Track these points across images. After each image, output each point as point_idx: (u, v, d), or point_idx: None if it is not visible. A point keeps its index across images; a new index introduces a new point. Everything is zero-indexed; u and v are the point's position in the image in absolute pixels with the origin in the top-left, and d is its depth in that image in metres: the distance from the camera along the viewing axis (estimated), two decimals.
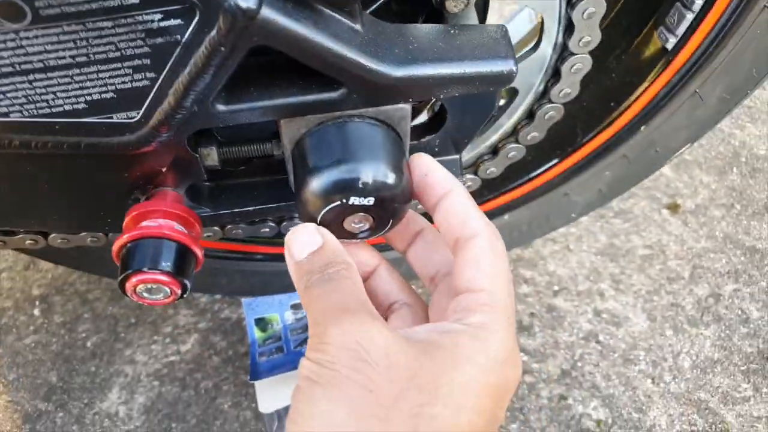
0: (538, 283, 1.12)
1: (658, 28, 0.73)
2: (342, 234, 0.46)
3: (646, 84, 0.77)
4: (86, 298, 1.15)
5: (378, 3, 0.50)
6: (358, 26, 0.43)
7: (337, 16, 0.41)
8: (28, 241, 0.62)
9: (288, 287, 0.97)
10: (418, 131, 0.54)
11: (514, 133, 0.65)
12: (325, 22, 0.40)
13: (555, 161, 0.87)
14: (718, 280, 1.10)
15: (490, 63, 0.45)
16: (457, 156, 0.55)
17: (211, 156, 0.48)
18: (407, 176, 0.45)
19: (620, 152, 0.84)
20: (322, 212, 0.44)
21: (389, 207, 0.45)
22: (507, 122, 0.65)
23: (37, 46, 0.36)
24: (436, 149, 0.54)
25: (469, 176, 0.69)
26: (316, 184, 0.43)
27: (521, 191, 0.91)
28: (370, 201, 0.43)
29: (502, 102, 0.64)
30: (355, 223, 0.46)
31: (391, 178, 0.43)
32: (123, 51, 0.37)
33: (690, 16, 0.68)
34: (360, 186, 0.43)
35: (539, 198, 0.91)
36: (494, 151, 0.67)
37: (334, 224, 0.46)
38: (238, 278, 0.96)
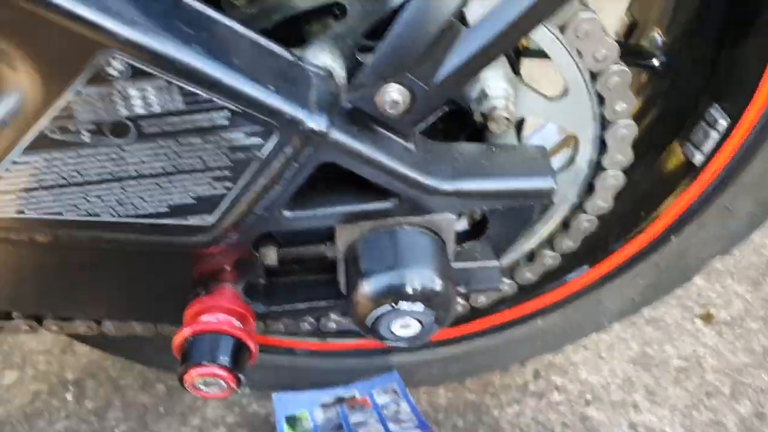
0: (569, 391, 1.10)
1: (684, 144, 0.77)
2: (389, 338, 0.49)
3: (674, 197, 0.81)
4: (118, 385, 1.16)
5: (427, 122, 0.55)
6: (411, 146, 0.47)
7: (393, 137, 0.46)
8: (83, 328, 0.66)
9: (319, 384, 0.98)
10: (461, 237, 0.57)
11: (549, 241, 0.68)
12: (384, 142, 0.45)
13: (587, 267, 0.89)
14: (761, 397, 1.07)
15: (530, 180, 0.49)
16: (497, 263, 0.58)
17: (270, 256, 0.51)
18: (453, 282, 0.48)
19: (652, 261, 0.86)
20: (370, 315, 0.47)
21: (435, 312, 0.47)
22: (542, 230, 0.68)
23: (135, 157, 0.41)
24: (477, 255, 0.58)
25: (506, 281, 0.71)
26: (368, 287, 0.47)
27: (554, 297, 0.92)
28: (419, 306, 0.46)
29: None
30: (403, 326, 0.48)
31: (438, 285, 0.47)
32: (207, 163, 0.42)
33: (715, 135, 0.72)
34: (409, 291, 0.46)
35: (572, 304, 0.92)
36: (530, 257, 0.70)
37: (383, 329, 0.48)
38: (272, 372, 0.98)
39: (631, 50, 0.76)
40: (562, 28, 0.48)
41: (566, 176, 0.62)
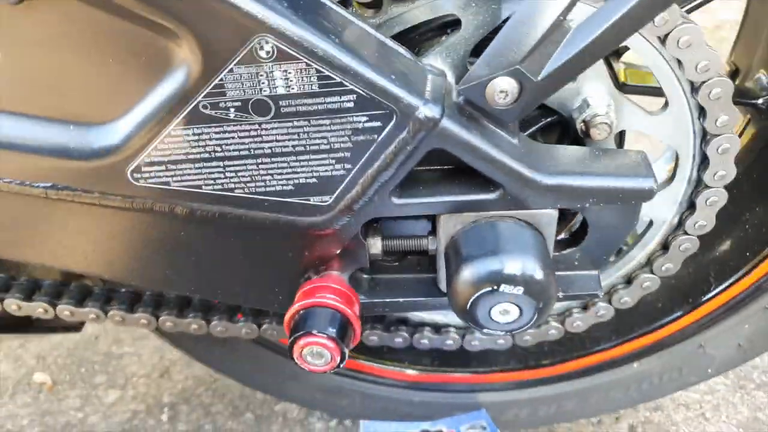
0: None
1: None
2: (488, 324, 0.50)
3: None
4: (209, 410, 1.21)
5: (528, 131, 0.58)
6: (515, 141, 0.51)
7: (499, 131, 0.50)
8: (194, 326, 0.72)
9: (405, 416, 0.98)
10: (562, 244, 0.58)
11: (648, 264, 0.68)
12: (491, 134, 0.49)
13: (688, 308, 0.86)
14: None
15: (631, 180, 0.51)
16: (596, 272, 0.59)
17: (376, 246, 0.55)
18: (553, 277, 0.49)
19: (761, 304, 0.82)
20: (473, 297, 0.49)
21: (534, 300, 0.49)
22: (641, 253, 0.68)
23: (271, 135, 0.47)
24: (576, 263, 0.58)
25: (602, 305, 0.71)
26: (470, 271, 0.49)
27: (652, 338, 0.89)
28: (519, 290, 0.48)
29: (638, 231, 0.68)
30: (502, 313, 0.50)
31: (538, 273, 0.48)
32: (332, 144, 0.47)
33: None
34: (510, 275, 0.47)
35: (671, 347, 0.89)
36: (628, 280, 0.70)
37: (482, 313, 0.50)
38: (358, 401, 0.99)
39: (736, 90, 0.76)
40: (663, 39, 0.51)
41: (665, 195, 0.63)
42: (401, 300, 0.58)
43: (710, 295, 0.85)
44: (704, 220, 0.62)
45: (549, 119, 0.58)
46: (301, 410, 1.17)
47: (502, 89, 0.46)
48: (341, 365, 0.51)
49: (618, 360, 0.92)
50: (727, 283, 0.84)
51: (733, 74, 0.84)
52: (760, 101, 0.77)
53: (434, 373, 0.96)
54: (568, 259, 0.58)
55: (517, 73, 0.45)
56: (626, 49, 0.64)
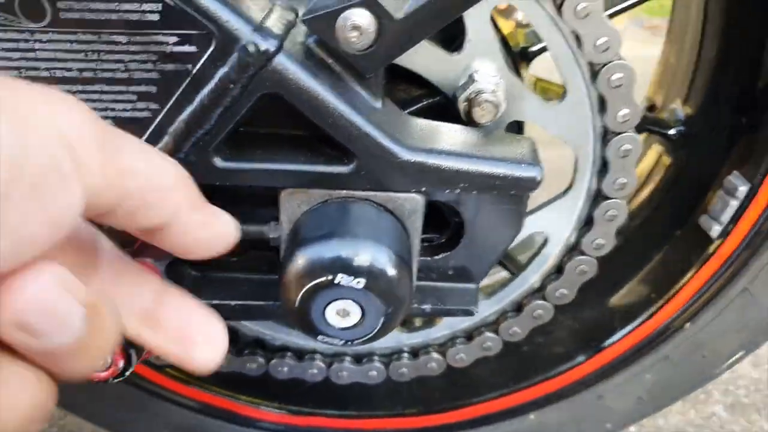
0: None
1: (701, 216, 0.70)
2: (323, 326, 0.39)
3: (689, 275, 0.72)
4: None
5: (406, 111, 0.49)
6: (377, 104, 0.41)
7: (356, 87, 0.40)
8: None
9: None
10: (433, 249, 0.48)
11: (540, 289, 0.59)
12: (344, 87, 0.39)
13: (588, 355, 0.78)
14: None
15: (513, 166, 0.42)
16: (474, 286, 0.49)
17: None
18: (409, 278, 0.39)
19: (662, 352, 0.75)
20: (305, 288, 0.38)
21: (381, 300, 0.38)
22: (533, 277, 0.59)
23: (48, 51, 0.35)
24: (450, 272, 0.49)
25: (489, 335, 0.61)
26: (303, 255, 0.38)
27: (549, 386, 0.80)
28: (359, 283, 0.37)
29: (529, 254, 0.59)
30: (340, 314, 0.39)
31: (387, 265, 0.38)
32: (132, 72, 0.36)
33: (734, 203, 0.65)
34: (349, 261, 0.37)
35: (569, 398, 0.80)
36: (518, 308, 0.60)
37: (315, 311, 0.39)
38: None
39: (648, 120, 0.72)
40: (560, 6, 0.43)
41: (561, 209, 0.54)
42: (233, 303, 0.46)
43: (613, 339, 0.77)
44: (603, 238, 0.54)
45: (430, 100, 0.49)
46: None
47: (356, 24, 0.36)
48: (126, 374, 0.38)
49: (514, 410, 0.82)
50: (630, 327, 0.76)
51: (650, 108, 0.80)
52: (672, 131, 0.72)
53: (302, 416, 0.82)
54: (441, 266, 0.48)
55: (374, 6, 0.36)
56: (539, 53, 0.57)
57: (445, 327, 0.63)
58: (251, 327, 0.62)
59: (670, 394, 0.78)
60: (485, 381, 0.84)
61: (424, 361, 0.62)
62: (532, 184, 0.42)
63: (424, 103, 0.49)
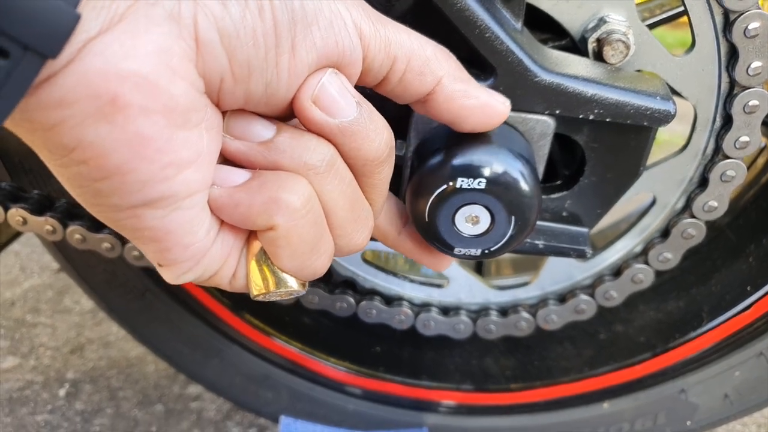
0: None
1: None
2: (455, 239, 0.40)
3: None
4: (116, 395, 1.06)
5: None
6: (518, 25, 0.42)
7: (500, 6, 0.41)
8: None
9: (334, 422, 0.84)
10: (552, 188, 0.49)
11: (643, 253, 0.58)
12: (490, 3, 0.41)
13: (672, 344, 0.76)
14: None
15: (647, 98, 0.42)
16: (586, 230, 0.49)
17: None
18: (535, 186, 0.40)
19: (755, 349, 0.72)
20: (431, 199, 0.39)
21: (504, 205, 0.39)
22: (635, 239, 0.58)
23: None
24: (564, 213, 0.49)
25: (583, 297, 0.60)
26: (427, 165, 0.39)
27: (628, 374, 0.78)
28: (480, 183, 0.38)
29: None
30: (469, 220, 0.40)
31: (510, 169, 0.39)
32: None
33: None
34: (468, 164, 0.38)
35: (649, 389, 0.78)
36: (617, 272, 0.60)
37: (444, 221, 0.40)
38: (285, 396, 0.85)
39: None
40: None
41: (673, 167, 0.54)
42: None
43: (700, 332, 0.75)
44: (716, 200, 0.53)
45: (559, 42, 0.50)
46: (219, 411, 1.02)
47: None
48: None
49: (587, 396, 0.80)
50: (720, 320, 0.74)
51: None
52: None
53: (375, 379, 0.83)
54: (555, 207, 0.49)
55: None
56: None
57: (536, 288, 0.63)
58: (345, 266, 0.64)
59: (760, 395, 0.74)
60: (559, 364, 0.83)
61: (514, 320, 0.62)
62: (666, 116, 0.42)
63: (551, 45, 0.50)
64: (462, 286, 0.63)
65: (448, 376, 0.83)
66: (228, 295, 0.80)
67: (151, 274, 0.77)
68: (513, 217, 0.39)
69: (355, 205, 0.35)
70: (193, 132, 0.29)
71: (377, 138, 0.34)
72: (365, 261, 0.64)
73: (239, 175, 0.32)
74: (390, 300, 0.65)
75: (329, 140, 0.33)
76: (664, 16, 0.53)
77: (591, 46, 0.47)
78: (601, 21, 0.47)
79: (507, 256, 0.85)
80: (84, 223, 0.63)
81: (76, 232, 0.62)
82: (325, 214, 0.34)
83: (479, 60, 0.41)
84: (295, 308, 0.79)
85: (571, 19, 0.48)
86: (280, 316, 0.81)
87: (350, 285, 0.65)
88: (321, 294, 0.63)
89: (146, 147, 0.28)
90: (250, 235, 0.34)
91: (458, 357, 0.84)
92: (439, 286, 0.65)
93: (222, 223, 0.33)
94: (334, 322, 0.82)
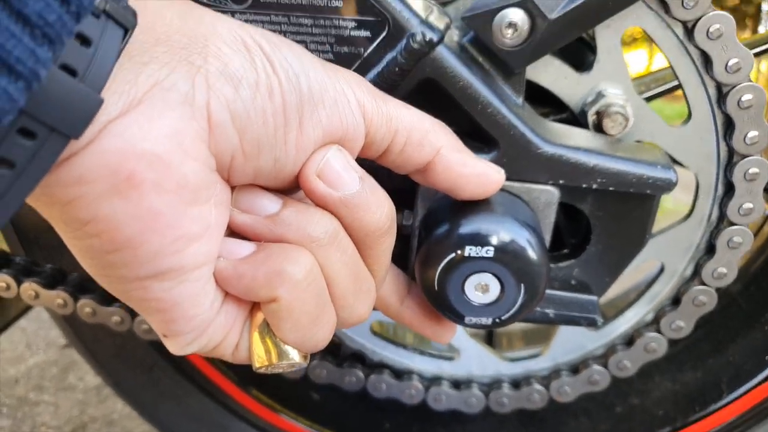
0: None
1: None
2: (465, 307, 0.41)
3: None
4: None
5: None
6: (519, 100, 0.44)
7: (502, 83, 0.43)
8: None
9: None
10: (559, 257, 0.49)
11: (654, 321, 0.58)
12: (492, 81, 0.43)
13: (693, 418, 0.74)
14: None
15: (648, 167, 0.43)
16: (596, 298, 0.49)
17: None
18: (543, 255, 0.40)
19: None
20: (440, 268, 0.40)
21: (513, 272, 0.39)
22: (646, 308, 0.58)
23: None
24: (573, 282, 0.49)
25: (596, 368, 0.59)
26: (435, 236, 0.40)
27: None
28: (488, 251, 0.38)
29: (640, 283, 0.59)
30: (479, 288, 0.40)
31: (517, 237, 0.39)
32: (311, 51, 0.40)
33: None
34: (475, 233, 0.39)
35: None
36: (629, 341, 0.59)
37: (454, 290, 0.40)
38: None
39: None
40: (691, 28, 0.46)
41: (679, 235, 0.54)
42: None
43: (721, 404, 0.73)
44: (725, 267, 0.53)
45: (559, 116, 0.52)
46: None
47: (512, 22, 0.40)
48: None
49: None
50: (741, 392, 0.72)
51: None
52: None
53: None
54: (564, 275, 0.49)
55: (530, 6, 0.40)
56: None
57: (548, 359, 0.62)
58: (354, 338, 0.64)
59: None
60: None
61: (526, 392, 0.61)
62: (668, 184, 0.43)
63: (552, 118, 0.52)
64: (473, 358, 0.63)
65: None
66: (235, 369, 0.79)
67: (159, 348, 0.76)
68: (522, 285, 0.40)
69: (357, 276, 0.35)
70: (203, 208, 0.30)
71: (378, 210, 0.35)
72: (374, 333, 0.64)
73: (244, 248, 0.33)
74: (400, 374, 0.64)
75: (332, 213, 0.34)
76: (659, 89, 0.55)
77: (591, 118, 0.49)
78: (599, 95, 0.49)
79: (518, 327, 0.84)
80: (95, 296, 0.63)
81: (86, 306, 0.62)
82: (328, 285, 0.34)
83: (482, 134, 0.43)
84: (303, 383, 0.78)
85: (570, 94, 0.50)
86: (287, 391, 0.80)
87: (359, 358, 0.64)
88: (329, 368, 0.62)
89: (157, 222, 0.29)
90: (254, 306, 0.35)
91: None
92: (449, 358, 0.64)
93: (226, 294, 0.34)
94: (342, 397, 0.80)
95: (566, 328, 0.61)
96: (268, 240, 0.33)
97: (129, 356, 0.77)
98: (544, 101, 0.52)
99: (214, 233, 0.31)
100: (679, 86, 0.50)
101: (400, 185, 0.44)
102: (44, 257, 0.69)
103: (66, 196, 0.28)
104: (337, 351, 0.65)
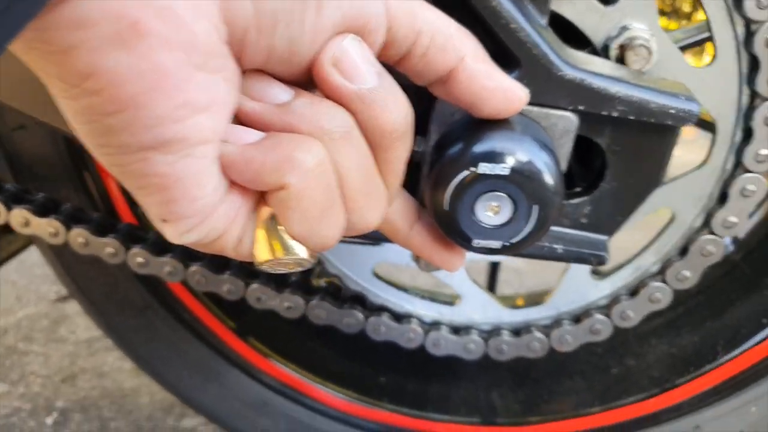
0: None
1: None
2: (476, 230, 0.39)
3: None
4: (107, 425, 1.02)
5: None
6: (544, 22, 0.43)
7: (527, 2, 0.42)
8: None
9: None
10: (572, 194, 0.48)
11: (660, 272, 0.57)
12: (520, 2, 0.41)
13: (685, 378, 0.74)
14: None
15: (670, 97, 0.42)
16: (606, 237, 0.48)
17: None
18: (558, 178, 0.39)
19: None
20: (452, 185, 0.38)
21: (527, 194, 0.38)
22: (654, 258, 0.57)
23: None
24: (584, 220, 0.48)
25: (598, 317, 0.59)
26: (449, 152, 0.39)
27: (640, 409, 0.76)
28: (504, 169, 0.37)
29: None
30: (491, 210, 0.39)
31: (533, 156, 0.38)
32: None
33: None
34: (493, 151, 0.37)
35: (663, 425, 0.75)
36: (634, 291, 0.58)
37: (465, 208, 0.39)
38: (282, 425, 0.81)
39: None
40: None
41: (693, 179, 0.53)
42: None
43: (715, 365, 0.73)
44: (735, 216, 0.52)
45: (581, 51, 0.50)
46: None
47: None
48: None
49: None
50: (735, 353, 0.72)
51: None
52: None
53: (379, 409, 0.80)
54: (575, 212, 0.48)
55: None
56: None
57: (550, 308, 0.62)
58: (356, 281, 0.62)
59: None
60: (569, 399, 0.80)
61: (527, 340, 0.60)
62: (690, 115, 0.41)
63: None
64: (474, 304, 0.62)
65: (454, 409, 0.80)
66: (231, 315, 0.78)
67: (153, 289, 0.75)
68: (535, 208, 0.38)
69: (369, 178, 0.34)
70: (211, 77, 0.29)
71: (396, 110, 0.33)
72: (376, 276, 0.63)
73: (253, 135, 0.31)
74: (399, 317, 0.63)
75: (347, 108, 0.32)
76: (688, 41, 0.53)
77: (614, 52, 0.47)
78: (624, 29, 0.48)
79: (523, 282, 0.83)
80: (88, 226, 0.62)
81: (79, 236, 0.61)
82: (339, 183, 0.33)
83: (504, 53, 0.41)
84: (300, 330, 0.77)
85: (594, 27, 0.48)
86: (282, 338, 0.79)
87: (360, 300, 0.63)
88: (329, 308, 0.61)
89: (164, 81, 0.27)
90: (260, 201, 0.33)
91: (465, 390, 0.81)
92: (450, 303, 0.63)
93: (231, 184, 0.32)
94: (338, 349, 0.79)
95: (570, 277, 0.60)
96: (278, 130, 0.32)
97: (121, 296, 0.75)
98: (566, 36, 0.50)
99: (221, 109, 0.30)
100: (707, 28, 0.48)
101: (415, 109, 0.43)
102: (37, 189, 0.67)
103: (64, 41, 0.26)
104: (338, 293, 0.64)
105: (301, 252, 0.34)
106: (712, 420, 0.72)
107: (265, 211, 0.33)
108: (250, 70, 0.32)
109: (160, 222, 0.31)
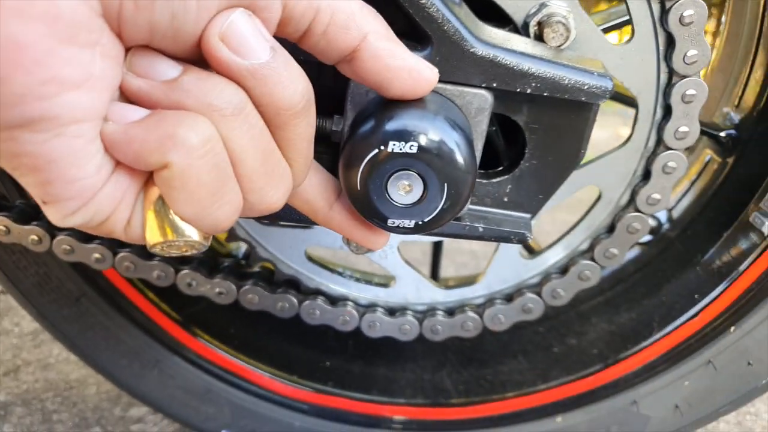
0: None
1: (752, 213, 0.68)
2: (389, 208, 0.39)
3: (735, 275, 0.69)
4: (49, 418, 0.99)
5: None
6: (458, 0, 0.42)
7: None
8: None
9: None
10: (493, 174, 0.48)
11: (589, 249, 0.58)
12: None
13: (623, 355, 0.75)
14: None
15: (584, 74, 0.42)
16: (528, 215, 0.48)
17: None
18: (470, 158, 0.38)
19: (704, 357, 0.71)
20: (363, 164, 0.38)
21: (436, 172, 0.38)
22: (581, 236, 0.58)
23: None
24: (506, 198, 0.48)
25: (530, 296, 0.59)
26: (360, 131, 0.38)
27: (580, 387, 0.77)
28: (412, 147, 0.37)
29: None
30: (403, 189, 0.38)
31: (443, 135, 0.38)
32: None
33: None
34: (400, 130, 0.37)
35: (601, 401, 0.76)
36: (564, 269, 0.59)
37: (377, 187, 0.39)
38: (227, 411, 0.81)
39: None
40: None
41: (615, 161, 0.54)
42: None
43: (650, 341, 0.74)
44: (658, 193, 0.53)
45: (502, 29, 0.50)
46: None
47: None
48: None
49: (540, 410, 0.78)
50: (669, 329, 0.74)
51: None
52: (723, 134, 0.72)
53: (321, 394, 0.79)
54: (497, 192, 0.48)
55: None
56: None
57: (483, 287, 0.62)
58: (289, 265, 0.62)
59: (710, 405, 0.73)
60: (512, 378, 0.81)
61: (460, 320, 0.60)
62: (603, 91, 0.42)
63: None
64: (409, 285, 0.62)
65: (399, 391, 0.80)
66: (169, 300, 0.77)
67: (87, 276, 0.73)
68: (445, 186, 0.38)
69: (267, 157, 0.33)
70: (83, 51, 0.27)
71: (291, 85, 0.32)
72: (310, 259, 0.62)
73: (137, 113, 0.30)
74: (335, 300, 0.62)
75: (240, 84, 0.31)
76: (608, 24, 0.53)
77: (532, 29, 0.47)
78: (542, 6, 0.47)
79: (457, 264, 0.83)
80: (10, 215, 0.59)
81: (0, 223, 0.59)
82: (233, 162, 0.32)
83: (415, 30, 0.40)
84: (240, 318, 0.76)
85: (514, 5, 0.48)
86: (223, 326, 0.78)
87: (293, 284, 0.62)
88: (261, 293, 0.61)
89: (21, 54, 0.25)
90: (149, 181, 0.32)
91: (410, 372, 0.81)
92: (385, 285, 0.63)
93: (117, 163, 0.31)
94: (282, 334, 0.79)
95: (501, 256, 0.60)
96: (165, 108, 0.30)
97: (54, 286, 0.73)
98: (487, 15, 0.50)
99: (98, 86, 0.28)
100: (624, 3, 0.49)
101: (332, 91, 0.42)
102: None
103: None
104: (271, 277, 0.63)
105: (193, 234, 0.33)
106: (648, 395, 0.74)
107: (154, 192, 0.32)
108: (136, 47, 0.30)
109: (42, 204, 0.30)
